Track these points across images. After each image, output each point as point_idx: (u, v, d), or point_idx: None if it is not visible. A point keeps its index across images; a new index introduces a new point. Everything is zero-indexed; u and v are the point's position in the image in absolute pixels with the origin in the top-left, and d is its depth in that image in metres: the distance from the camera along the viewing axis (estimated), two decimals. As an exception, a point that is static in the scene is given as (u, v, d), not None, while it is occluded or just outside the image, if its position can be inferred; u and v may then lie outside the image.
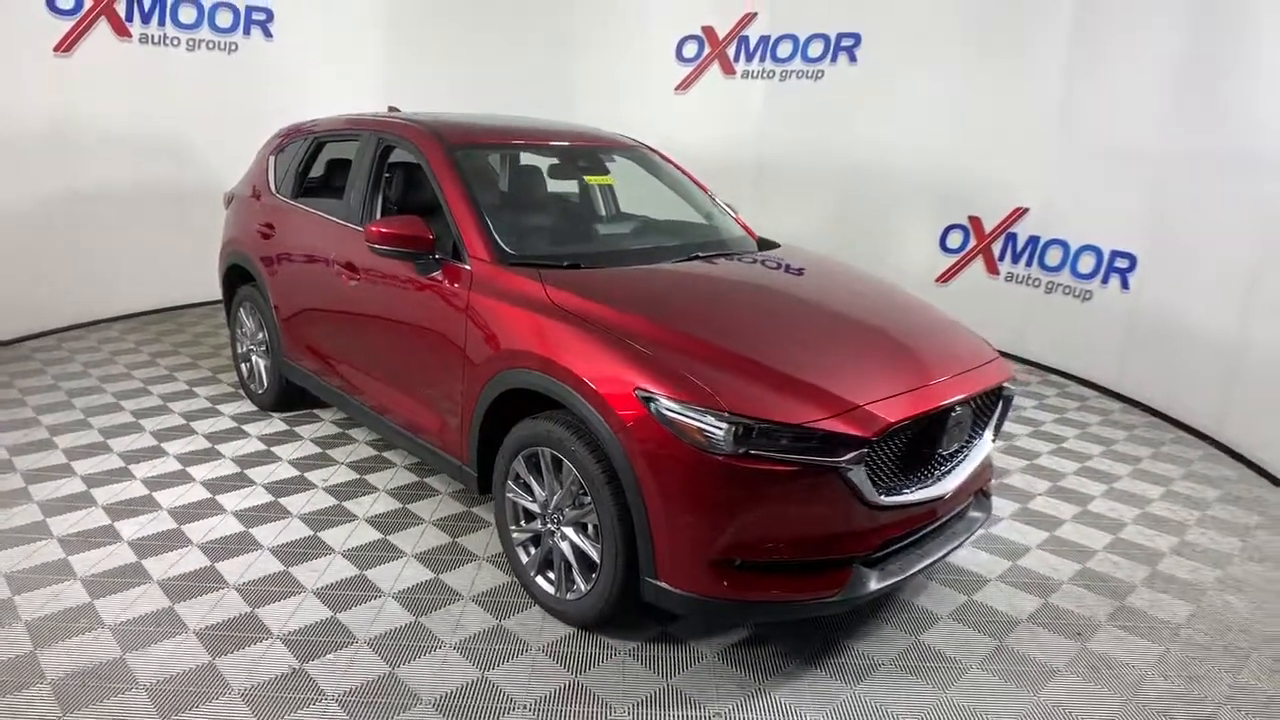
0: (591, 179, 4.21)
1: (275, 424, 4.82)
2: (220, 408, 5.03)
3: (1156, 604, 3.37)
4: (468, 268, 3.32)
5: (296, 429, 4.75)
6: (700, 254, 3.70)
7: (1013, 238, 6.67)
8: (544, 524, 3.07)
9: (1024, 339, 6.69)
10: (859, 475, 2.59)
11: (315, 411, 4.96)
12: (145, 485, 4.01)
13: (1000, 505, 4.18)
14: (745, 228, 4.28)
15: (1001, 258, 6.78)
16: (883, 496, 2.69)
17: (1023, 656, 2.99)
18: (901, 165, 7.19)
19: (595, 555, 2.86)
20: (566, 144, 4.24)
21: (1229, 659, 3.04)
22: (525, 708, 2.63)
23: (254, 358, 5.01)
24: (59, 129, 6.19)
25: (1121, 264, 5.88)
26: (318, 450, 4.48)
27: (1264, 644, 3.14)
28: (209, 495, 3.94)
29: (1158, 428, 5.42)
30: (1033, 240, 6.53)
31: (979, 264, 6.94)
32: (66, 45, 6.11)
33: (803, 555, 2.63)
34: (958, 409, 2.89)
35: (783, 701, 2.71)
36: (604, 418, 2.69)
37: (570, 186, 4.26)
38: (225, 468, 4.23)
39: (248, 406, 5.06)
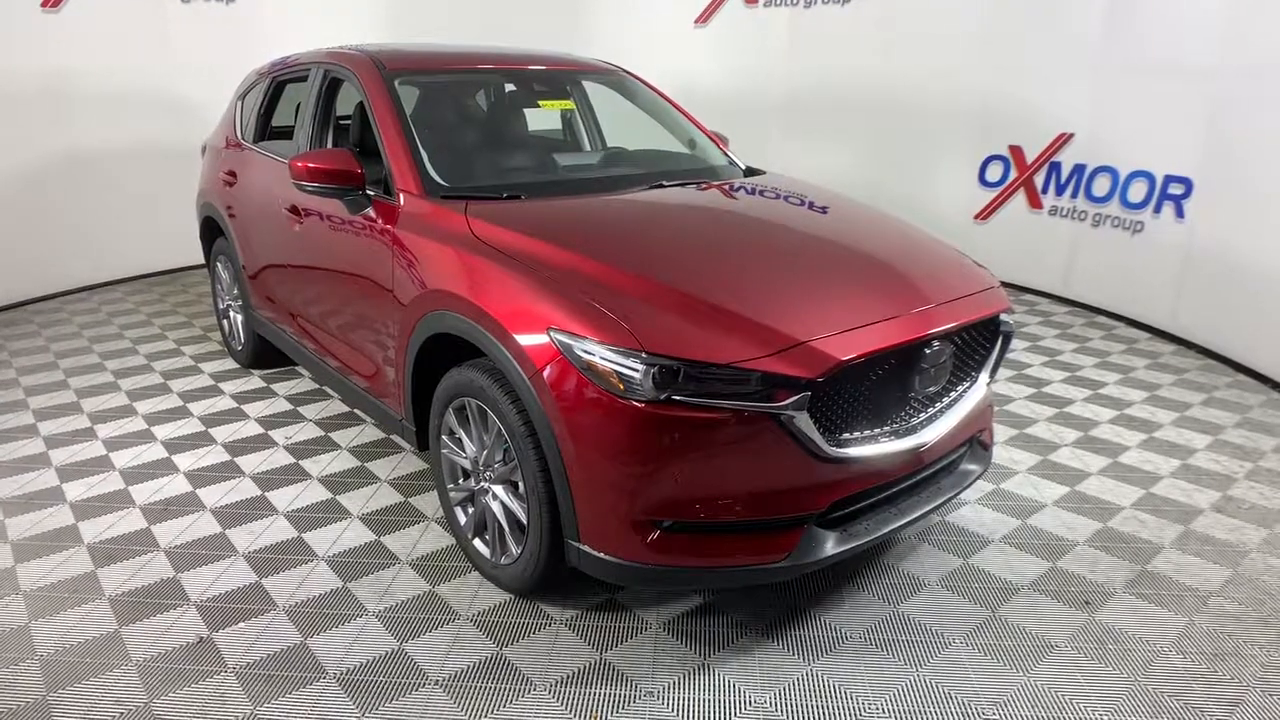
0: (547, 104, 3.83)
1: (253, 381, 4.64)
2: (202, 365, 4.88)
3: (1185, 569, 2.92)
4: (396, 203, 3.02)
5: (273, 385, 4.56)
6: (665, 182, 3.33)
7: (1056, 167, 6.06)
8: (476, 482, 2.79)
9: (1069, 278, 6.11)
10: (804, 423, 2.22)
11: (296, 368, 4.77)
12: (105, 446, 3.87)
13: (1019, 458, 3.74)
14: (730, 156, 3.87)
15: (1045, 189, 6.18)
16: (838, 448, 2.32)
17: (1016, 629, 2.60)
18: (936, 93, 6.60)
19: (523, 516, 2.57)
20: (526, 69, 3.87)
21: (1266, 633, 2.59)
22: (436, 683, 2.38)
23: (232, 313, 4.83)
24: (52, 88, 6.07)
25: (1176, 190, 5.25)
26: (289, 407, 4.29)
27: (1312, 615, 2.68)
28: (165, 455, 3.78)
29: (1213, 371, 4.84)
30: (1078, 169, 5.91)
31: (1020, 198, 6.34)
32: (54, 1, 5.96)
33: (740, 515, 2.29)
34: (935, 344, 2.48)
35: (725, 679, 2.39)
36: (517, 362, 2.38)
37: (533, 116, 3.90)
38: (190, 426, 4.07)
39: (230, 364, 4.90)
